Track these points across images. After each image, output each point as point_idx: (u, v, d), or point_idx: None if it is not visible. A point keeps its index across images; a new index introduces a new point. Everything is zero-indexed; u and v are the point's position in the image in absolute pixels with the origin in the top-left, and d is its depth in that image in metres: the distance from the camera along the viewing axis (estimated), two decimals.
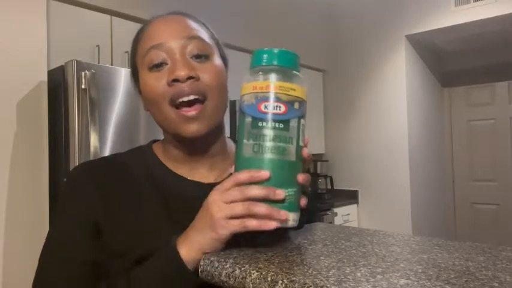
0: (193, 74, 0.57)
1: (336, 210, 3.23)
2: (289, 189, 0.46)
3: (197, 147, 0.64)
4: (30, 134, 1.68)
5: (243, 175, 0.47)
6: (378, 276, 0.38)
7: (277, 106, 0.46)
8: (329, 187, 3.53)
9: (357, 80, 3.57)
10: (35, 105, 1.69)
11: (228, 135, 0.74)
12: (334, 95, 3.72)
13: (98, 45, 2.00)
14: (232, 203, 0.48)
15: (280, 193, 0.46)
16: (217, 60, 0.63)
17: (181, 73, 0.57)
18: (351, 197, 3.54)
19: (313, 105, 3.61)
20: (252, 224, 0.46)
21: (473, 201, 3.92)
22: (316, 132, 3.62)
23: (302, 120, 0.48)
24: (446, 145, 4.07)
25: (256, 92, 0.46)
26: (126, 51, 2.10)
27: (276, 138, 0.46)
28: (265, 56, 0.48)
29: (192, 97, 0.57)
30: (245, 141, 0.47)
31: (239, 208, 0.47)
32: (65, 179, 0.64)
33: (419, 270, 0.39)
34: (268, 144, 0.45)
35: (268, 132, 0.46)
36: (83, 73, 1.67)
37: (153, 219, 0.59)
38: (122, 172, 0.63)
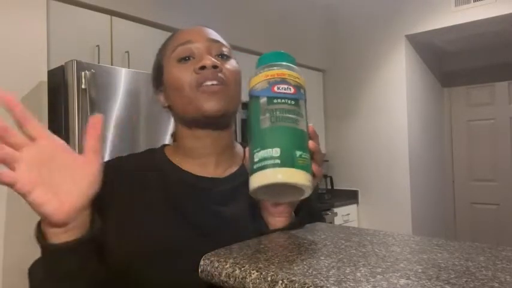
0: (219, 64, 0.64)
1: (336, 210, 3.23)
2: (304, 153, 0.50)
3: (210, 131, 0.67)
4: None
5: None
6: (378, 276, 0.38)
7: (288, 87, 0.52)
8: (329, 187, 3.53)
9: (356, 80, 3.57)
10: (35, 105, 1.69)
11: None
12: (334, 95, 3.72)
13: (98, 45, 2.00)
14: None
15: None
16: (235, 62, 0.70)
17: (208, 62, 0.63)
18: (351, 197, 3.54)
19: (313, 105, 3.61)
20: None
21: (473, 201, 3.93)
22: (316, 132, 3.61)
23: (306, 105, 0.55)
24: (446, 145, 4.07)
25: (269, 79, 0.53)
26: (126, 51, 2.10)
27: (289, 111, 0.51)
28: (274, 55, 0.56)
29: (215, 82, 0.64)
30: (261, 116, 0.51)
31: None
32: None
33: (419, 270, 0.39)
34: (284, 115, 0.51)
35: (283, 106, 0.51)
36: (83, 73, 1.67)
37: (159, 215, 0.62)
38: (130, 172, 0.67)
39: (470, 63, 3.95)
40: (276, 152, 0.48)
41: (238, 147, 0.75)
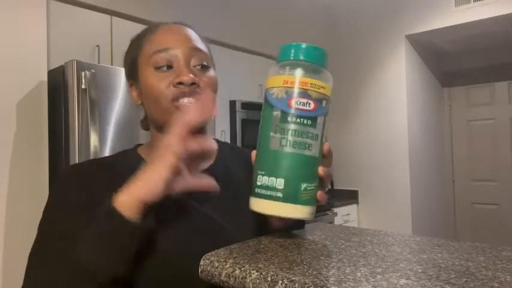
0: (197, 81, 0.63)
1: (336, 210, 3.23)
2: (311, 184, 0.48)
3: None
4: (30, 134, 1.67)
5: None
6: (378, 276, 0.38)
7: (307, 103, 0.47)
8: (329, 187, 3.53)
9: (357, 80, 3.57)
10: (35, 105, 1.69)
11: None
12: (334, 95, 3.71)
13: (98, 45, 2.00)
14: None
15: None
16: (213, 72, 0.69)
17: (186, 78, 0.61)
18: (351, 197, 3.54)
19: None
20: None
21: (473, 201, 3.93)
22: None
23: (326, 117, 0.50)
24: (446, 145, 4.07)
25: (287, 87, 0.47)
26: None
27: (303, 134, 0.47)
28: (298, 50, 0.49)
29: (191, 100, 0.62)
30: (272, 134, 0.48)
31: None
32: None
33: (419, 270, 0.39)
34: (296, 139, 0.47)
35: (297, 128, 0.47)
36: (83, 73, 1.67)
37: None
38: (107, 172, 0.66)
39: (470, 63, 3.95)
40: (279, 183, 0.47)
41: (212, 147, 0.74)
